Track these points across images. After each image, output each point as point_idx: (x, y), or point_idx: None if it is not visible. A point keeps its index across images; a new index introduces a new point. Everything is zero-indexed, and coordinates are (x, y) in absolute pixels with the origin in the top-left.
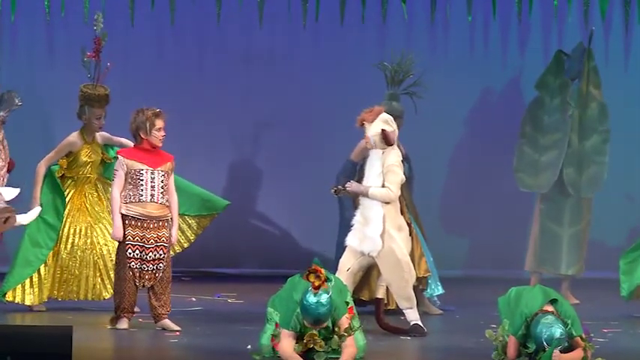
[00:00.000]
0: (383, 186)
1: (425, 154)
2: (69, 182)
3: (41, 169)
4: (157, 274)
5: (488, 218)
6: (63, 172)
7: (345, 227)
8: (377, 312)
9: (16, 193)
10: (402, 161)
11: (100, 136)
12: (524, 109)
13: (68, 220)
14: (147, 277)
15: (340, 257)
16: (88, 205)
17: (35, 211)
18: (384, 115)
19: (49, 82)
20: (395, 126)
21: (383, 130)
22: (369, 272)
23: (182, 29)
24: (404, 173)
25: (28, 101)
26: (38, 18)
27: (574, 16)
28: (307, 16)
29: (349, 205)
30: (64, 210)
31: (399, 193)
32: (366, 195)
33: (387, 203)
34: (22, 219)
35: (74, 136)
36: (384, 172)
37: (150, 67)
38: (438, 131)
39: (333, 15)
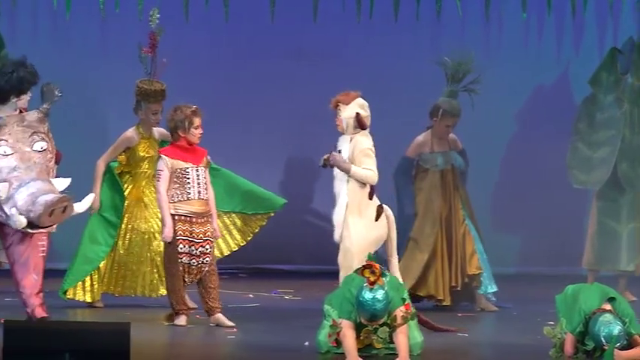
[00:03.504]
0: None
1: (477, 151)
2: (127, 177)
3: (100, 166)
4: (202, 269)
5: (542, 215)
6: (122, 168)
7: (404, 224)
8: None
9: (68, 184)
10: (463, 156)
11: (157, 131)
12: (577, 106)
13: (126, 215)
14: (195, 272)
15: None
16: (146, 201)
17: (89, 198)
18: (360, 100)
19: (104, 79)
20: (369, 112)
21: (358, 113)
22: (427, 269)
23: (236, 25)
24: (460, 168)
25: (83, 98)
26: (93, 15)
27: (628, 12)
28: (361, 12)
29: (409, 201)
30: (123, 207)
31: None
32: (347, 172)
33: (364, 186)
34: (78, 207)
35: (131, 132)
36: (356, 156)
37: (204, 63)
38: (491, 128)
39: (387, 12)
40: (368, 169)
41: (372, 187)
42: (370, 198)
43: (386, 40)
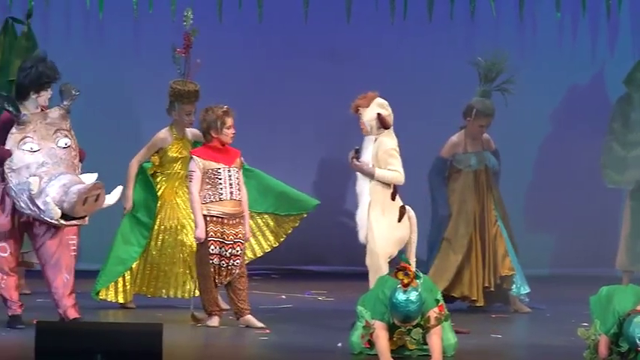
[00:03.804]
0: None
1: (511, 151)
2: (160, 178)
3: (133, 167)
4: (233, 271)
5: (576, 215)
6: (155, 169)
7: (438, 225)
8: None
9: (95, 178)
10: (496, 156)
11: (190, 132)
12: (611, 106)
13: (159, 216)
14: (224, 273)
15: (431, 256)
16: (179, 201)
17: (117, 191)
18: (379, 100)
19: (137, 79)
20: (390, 110)
21: (379, 114)
22: (460, 269)
23: (269, 26)
24: (494, 168)
25: (116, 98)
26: (126, 15)
27: None
28: (395, 13)
29: (443, 202)
30: (156, 207)
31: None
32: (371, 176)
33: (387, 185)
34: (108, 199)
35: (164, 132)
36: (381, 156)
37: (238, 64)
38: (525, 127)
39: (421, 12)
40: (394, 170)
41: (394, 187)
42: (393, 199)
43: (419, 41)
